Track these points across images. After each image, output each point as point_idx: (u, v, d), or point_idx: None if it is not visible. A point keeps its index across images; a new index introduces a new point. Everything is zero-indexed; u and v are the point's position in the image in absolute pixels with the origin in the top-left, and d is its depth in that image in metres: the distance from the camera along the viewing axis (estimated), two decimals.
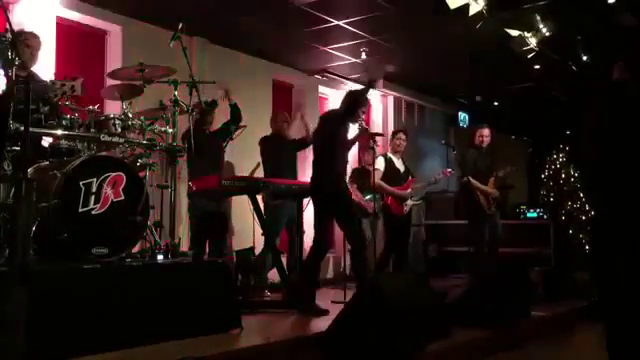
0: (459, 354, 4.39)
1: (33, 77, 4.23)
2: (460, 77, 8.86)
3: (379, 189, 6.44)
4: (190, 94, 4.65)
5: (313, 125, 6.09)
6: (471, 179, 6.54)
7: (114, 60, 6.27)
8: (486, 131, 6.76)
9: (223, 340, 3.79)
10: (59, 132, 3.93)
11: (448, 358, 4.28)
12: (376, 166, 6.28)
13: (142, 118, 4.42)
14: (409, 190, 6.61)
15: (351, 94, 5.48)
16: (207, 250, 5.79)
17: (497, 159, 7.08)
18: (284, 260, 5.86)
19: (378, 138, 6.54)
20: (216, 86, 5.53)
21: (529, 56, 6.70)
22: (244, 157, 7.09)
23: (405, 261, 6.61)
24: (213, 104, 5.89)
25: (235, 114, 6.05)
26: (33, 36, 4.32)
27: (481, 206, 6.56)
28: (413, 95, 9.86)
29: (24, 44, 4.14)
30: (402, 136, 6.79)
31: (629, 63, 3.72)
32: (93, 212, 3.69)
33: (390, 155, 6.70)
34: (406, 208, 6.59)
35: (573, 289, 6.93)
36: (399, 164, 6.69)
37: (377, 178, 6.24)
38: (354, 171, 7.49)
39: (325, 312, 4.84)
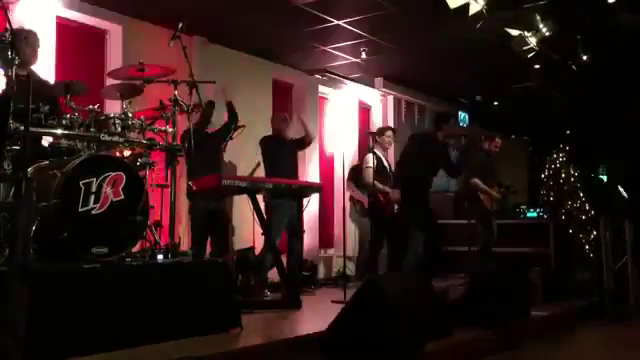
0: (459, 354, 4.39)
1: (33, 76, 4.23)
2: (460, 76, 8.86)
3: (369, 187, 6.51)
4: (190, 94, 4.65)
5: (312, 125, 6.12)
6: (478, 181, 6.62)
7: (114, 59, 6.26)
8: (499, 142, 6.94)
9: (223, 340, 3.79)
10: (59, 131, 3.93)
11: (448, 358, 4.28)
12: (368, 164, 6.31)
13: (142, 117, 4.42)
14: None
15: None
16: (208, 249, 5.81)
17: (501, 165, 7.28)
18: (284, 260, 5.86)
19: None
20: (215, 86, 5.54)
21: (529, 56, 6.71)
22: (244, 157, 7.09)
23: (401, 262, 6.58)
24: (211, 104, 5.88)
25: (231, 113, 6.08)
26: (32, 34, 4.32)
27: (484, 204, 6.64)
28: (413, 95, 9.86)
29: (25, 42, 4.14)
30: (390, 134, 6.85)
31: None
32: (93, 212, 3.69)
33: (378, 153, 6.68)
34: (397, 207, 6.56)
35: (573, 289, 6.94)
36: (386, 162, 6.71)
37: (370, 176, 6.25)
38: (351, 169, 7.56)
39: None
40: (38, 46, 4.34)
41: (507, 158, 10.24)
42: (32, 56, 4.27)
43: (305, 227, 5.97)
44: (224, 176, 4.89)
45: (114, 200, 3.78)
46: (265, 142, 6.32)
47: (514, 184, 7.53)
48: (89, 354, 3.17)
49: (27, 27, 4.50)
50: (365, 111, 9.64)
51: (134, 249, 4.18)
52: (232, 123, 6.12)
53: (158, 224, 4.63)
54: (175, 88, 4.54)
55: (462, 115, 10.83)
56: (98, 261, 3.61)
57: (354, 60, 7.97)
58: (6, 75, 3.43)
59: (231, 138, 6.28)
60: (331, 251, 8.71)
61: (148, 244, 4.39)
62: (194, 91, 4.66)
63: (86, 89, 4.31)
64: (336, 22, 6.67)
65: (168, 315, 3.66)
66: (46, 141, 4.10)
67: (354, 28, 6.86)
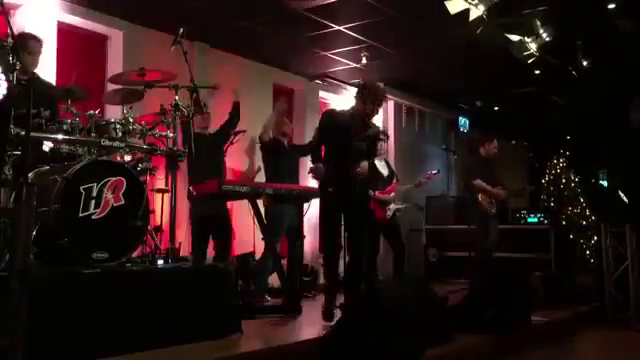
0: (460, 359, 4.38)
1: (37, 79, 4.25)
2: (460, 81, 8.87)
3: None
4: (190, 99, 4.65)
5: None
6: (481, 182, 6.58)
7: (115, 65, 6.28)
8: (496, 143, 6.90)
9: (223, 345, 3.78)
10: (60, 137, 3.93)
11: None
12: None
13: (143, 122, 4.43)
14: (392, 194, 6.55)
15: None
16: (209, 254, 5.80)
17: (502, 169, 7.21)
18: (284, 265, 5.85)
19: None
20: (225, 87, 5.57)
21: (529, 61, 6.72)
22: (244, 161, 7.10)
23: (401, 266, 6.56)
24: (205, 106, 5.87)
25: (234, 114, 6.08)
26: (36, 41, 4.31)
27: (483, 208, 6.60)
28: (413, 100, 9.87)
29: (26, 52, 4.15)
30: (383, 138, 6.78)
31: None
32: (93, 217, 3.69)
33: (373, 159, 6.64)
34: (389, 213, 6.53)
35: (573, 294, 6.93)
36: (381, 167, 6.66)
37: None
38: None
39: None
40: (40, 52, 4.35)
41: (508, 163, 10.26)
42: (33, 62, 4.28)
43: (305, 232, 5.95)
44: (225, 181, 4.89)
45: (115, 205, 3.78)
46: (266, 147, 6.32)
47: (513, 187, 7.46)
48: (87, 359, 3.17)
49: (29, 32, 4.50)
50: None
51: (134, 254, 4.17)
52: (232, 123, 6.11)
53: (158, 229, 4.63)
54: (176, 93, 4.54)
55: (462, 120, 10.84)
56: (98, 266, 3.61)
57: (354, 65, 7.98)
58: (7, 80, 3.43)
59: (232, 143, 6.28)
60: None
61: (148, 249, 4.39)
62: (195, 96, 4.66)
63: (87, 94, 4.31)
64: (336, 27, 6.68)
65: (168, 320, 3.65)
66: (47, 146, 4.11)
67: (354, 33, 6.87)
